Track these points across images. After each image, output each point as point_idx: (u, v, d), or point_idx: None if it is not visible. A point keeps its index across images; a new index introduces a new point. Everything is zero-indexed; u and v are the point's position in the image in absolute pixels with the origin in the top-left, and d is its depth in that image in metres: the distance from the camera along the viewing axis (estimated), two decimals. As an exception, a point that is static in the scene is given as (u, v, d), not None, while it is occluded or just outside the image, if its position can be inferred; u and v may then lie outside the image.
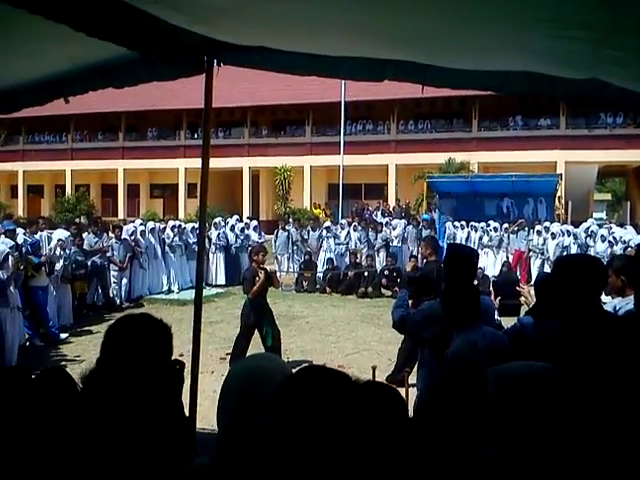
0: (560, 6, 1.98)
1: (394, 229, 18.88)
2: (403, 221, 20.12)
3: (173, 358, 1.88)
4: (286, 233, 17.96)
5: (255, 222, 19.30)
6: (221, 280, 16.20)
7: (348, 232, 17.89)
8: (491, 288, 11.68)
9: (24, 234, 10.51)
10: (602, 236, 16.35)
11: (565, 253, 15.93)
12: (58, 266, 10.63)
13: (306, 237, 18.16)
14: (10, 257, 8.13)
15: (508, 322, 3.78)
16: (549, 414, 1.65)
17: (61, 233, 11.33)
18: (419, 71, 3.64)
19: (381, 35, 3.26)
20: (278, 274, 14.78)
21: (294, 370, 1.60)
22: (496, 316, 4.08)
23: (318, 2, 2.90)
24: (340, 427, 1.43)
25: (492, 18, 2.41)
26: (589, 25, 2.08)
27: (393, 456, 1.45)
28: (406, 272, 13.55)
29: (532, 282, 4.47)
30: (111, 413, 1.62)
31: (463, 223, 19.75)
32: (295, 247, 17.89)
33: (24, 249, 9.52)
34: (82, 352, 9.25)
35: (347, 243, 17.60)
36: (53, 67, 3.82)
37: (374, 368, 5.44)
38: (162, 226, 16.01)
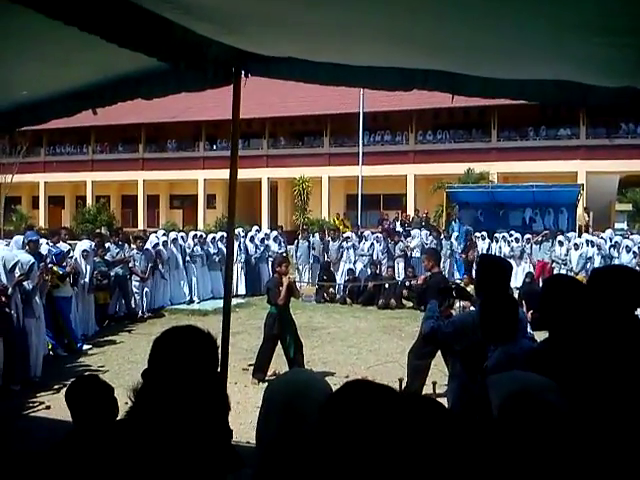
0: (609, 14, 1.94)
1: (413, 239, 18.81)
2: (424, 232, 20.00)
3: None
4: (307, 243, 17.94)
5: (275, 232, 19.30)
6: (242, 290, 16.22)
7: (372, 244, 17.79)
8: (521, 300, 11.52)
9: (47, 244, 10.59)
10: (627, 247, 16.14)
11: (589, 264, 15.77)
12: (85, 276, 10.75)
13: (323, 247, 18.16)
14: (35, 267, 8.18)
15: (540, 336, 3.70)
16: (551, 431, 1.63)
17: (85, 244, 11.42)
18: (448, 80, 3.62)
19: (411, 44, 3.24)
20: (298, 285, 14.79)
21: (337, 385, 1.58)
22: (528, 329, 4.01)
23: (348, 12, 2.89)
24: (389, 442, 1.39)
25: (532, 27, 2.38)
26: (636, 31, 2.04)
27: (445, 471, 1.42)
28: (416, 285, 13.62)
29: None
30: (163, 425, 1.60)
31: (484, 234, 19.61)
32: (320, 256, 17.85)
33: (48, 259, 9.59)
34: (105, 362, 9.27)
35: (370, 255, 17.52)
36: (83, 78, 3.85)
37: (401, 381, 5.38)
38: (183, 236, 16.07)
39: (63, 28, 2.60)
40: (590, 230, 23.05)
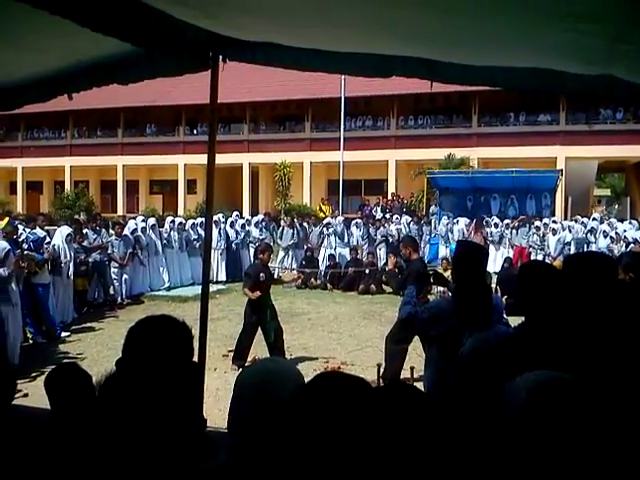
0: (578, 1, 1.95)
1: (397, 224, 18.92)
2: (405, 217, 20.15)
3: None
4: (291, 230, 17.86)
5: (257, 218, 19.22)
6: (222, 277, 16.18)
7: (350, 230, 17.86)
8: (497, 286, 11.63)
9: (24, 230, 10.47)
10: (604, 232, 16.33)
11: (567, 249, 15.96)
12: (69, 262, 10.68)
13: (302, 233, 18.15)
14: (11, 254, 8.09)
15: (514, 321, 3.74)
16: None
17: (66, 229, 11.29)
18: (427, 67, 3.61)
19: (389, 31, 3.23)
20: (281, 271, 14.81)
21: (310, 376, 1.58)
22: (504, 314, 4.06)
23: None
24: (360, 432, 1.41)
25: (506, 13, 2.38)
26: (607, 19, 2.05)
27: (420, 460, 1.43)
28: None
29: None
30: (132, 414, 1.60)
31: (465, 219, 19.79)
32: (301, 242, 17.84)
33: (25, 246, 9.49)
34: (84, 350, 9.22)
35: (349, 240, 17.61)
36: (57, 63, 3.78)
37: (379, 366, 5.42)
38: (163, 222, 15.99)
39: (34, 12, 2.55)
40: (566, 215, 23.31)
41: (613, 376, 2.44)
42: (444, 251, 18.43)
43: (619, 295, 2.83)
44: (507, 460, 1.60)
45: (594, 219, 18.96)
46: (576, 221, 18.62)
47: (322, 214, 25.50)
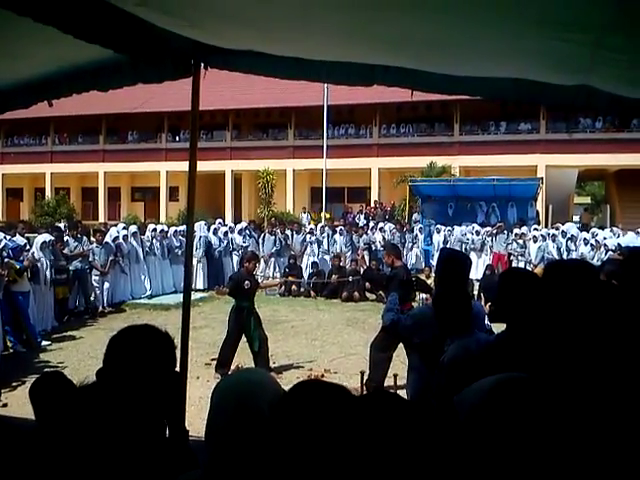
0: (564, 9, 1.98)
1: (382, 231, 18.99)
2: (388, 225, 20.25)
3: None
4: (273, 237, 17.79)
5: (240, 225, 19.14)
6: (204, 285, 16.08)
7: (333, 238, 17.90)
8: (480, 293, 11.71)
9: (5, 238, 10.34)
10: (585, 239, 16.50)
11: (547, 256, 16.09)
12: (45, 270, 10.56)
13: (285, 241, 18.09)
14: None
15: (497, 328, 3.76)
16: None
17: (44, 237, 11.18)
18: (408, 76, 3.63)
19: (371, 40, 3.25)
20: (264, 278, 14.79)
21: (290, 385, 1.58)
22: (486, 321, 4.08)
23: (308, 6, 2.88)
24: (341, 442, 1.40)
25: (489, 22, 2.40)
26: (590, 27, 2.08)
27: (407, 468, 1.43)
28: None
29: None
30: (112, 425, 1.58)
31: (439, 226, 19.98)
32: (283, 249, 17.77)
33: (5, 253, 9.37)
34: (65, 358, 9.12)
35: (328, 249, 17.70)
36: (38, 69, 3.76)
37: (362, 373, 5.42)
38: (144, 229, 15.89)
39: (16, 19, 2.53)
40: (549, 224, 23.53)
41: (592, 381, 2.46)
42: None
43: (601, 302, 2.86)
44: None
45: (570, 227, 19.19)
46: (557, 229, 18.80)
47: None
